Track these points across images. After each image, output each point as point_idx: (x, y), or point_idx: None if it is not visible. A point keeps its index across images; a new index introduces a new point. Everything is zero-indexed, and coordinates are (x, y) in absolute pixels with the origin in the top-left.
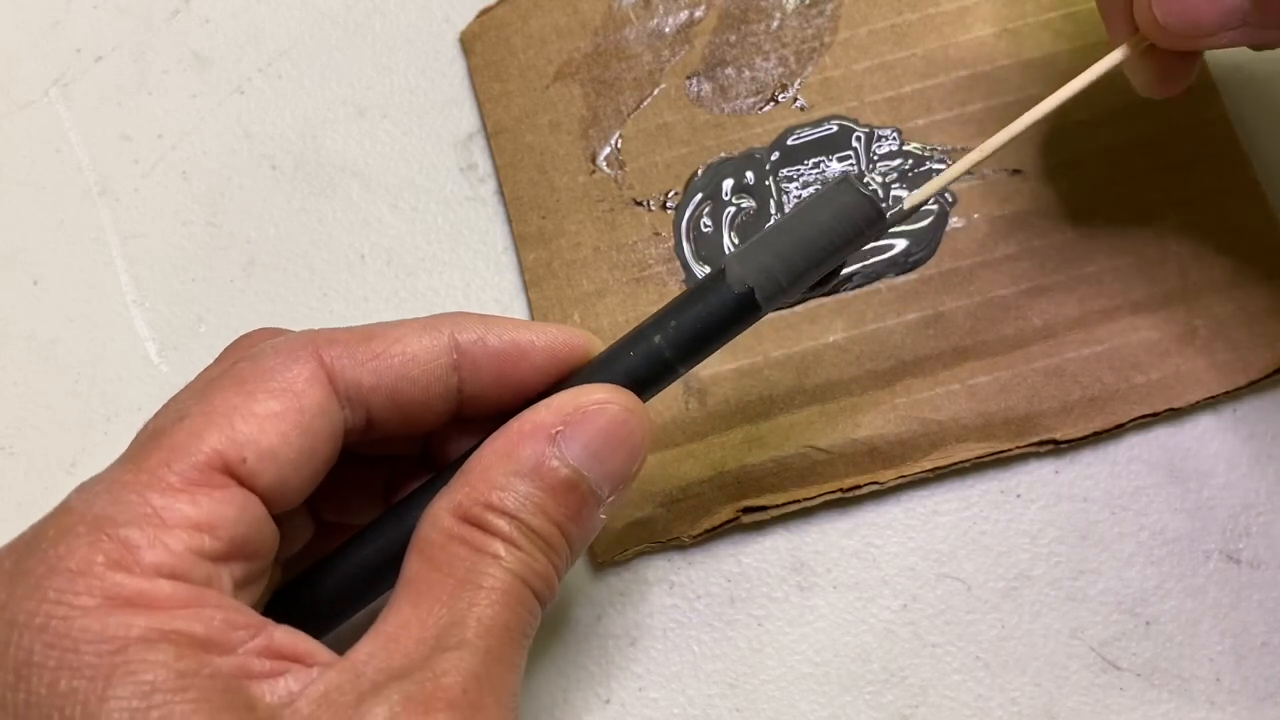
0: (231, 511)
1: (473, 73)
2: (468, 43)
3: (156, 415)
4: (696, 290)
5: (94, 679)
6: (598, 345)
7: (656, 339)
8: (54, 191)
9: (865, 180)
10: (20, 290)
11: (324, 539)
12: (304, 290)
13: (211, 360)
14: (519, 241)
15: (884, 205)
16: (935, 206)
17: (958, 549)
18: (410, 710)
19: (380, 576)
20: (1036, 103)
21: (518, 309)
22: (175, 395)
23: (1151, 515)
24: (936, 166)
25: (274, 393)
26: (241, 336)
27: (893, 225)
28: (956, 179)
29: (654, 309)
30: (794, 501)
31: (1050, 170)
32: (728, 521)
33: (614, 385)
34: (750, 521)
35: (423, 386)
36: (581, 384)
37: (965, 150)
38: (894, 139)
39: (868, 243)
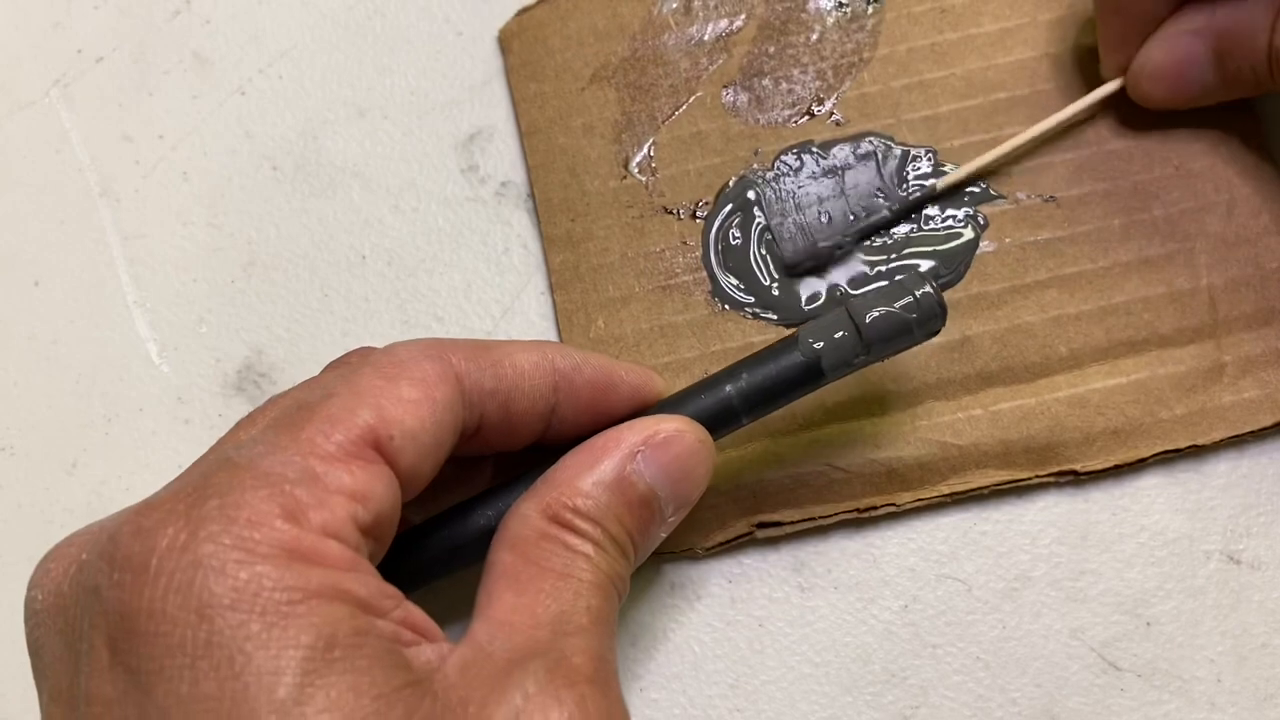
0: (380, 487)
1: (509, 72)
2: (505, 41)
3: (292, 393)
4: (769, 352)
5: (278, 625)
6: (667, 388)
7: (728, 388)
8: (54, 192)
9: (937, 278)
10: (21, 291)
11: None
12: (304, 290)
13: (212, 361)
14: (547, 244)
15: (945, 302)
16: (967, 229)
17: (958, 549)
18: (556, 682)
19: (444, 566)
20: (1075, 129)
21: (519, 308)
22: (280, 393)
23: (1152, 516)
24: (970, 189)
25: (414, 382)
26: (347, 354)
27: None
28: (973, 173)
29: (678, 318)
30: (809, 519)
31: (1084, 199)
32: (742, 535)
33: (688, 418)
34: (764, 537)
35: (531, 400)
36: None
37: (1001, 174)
38: (929, 159)
39: (930, 334)
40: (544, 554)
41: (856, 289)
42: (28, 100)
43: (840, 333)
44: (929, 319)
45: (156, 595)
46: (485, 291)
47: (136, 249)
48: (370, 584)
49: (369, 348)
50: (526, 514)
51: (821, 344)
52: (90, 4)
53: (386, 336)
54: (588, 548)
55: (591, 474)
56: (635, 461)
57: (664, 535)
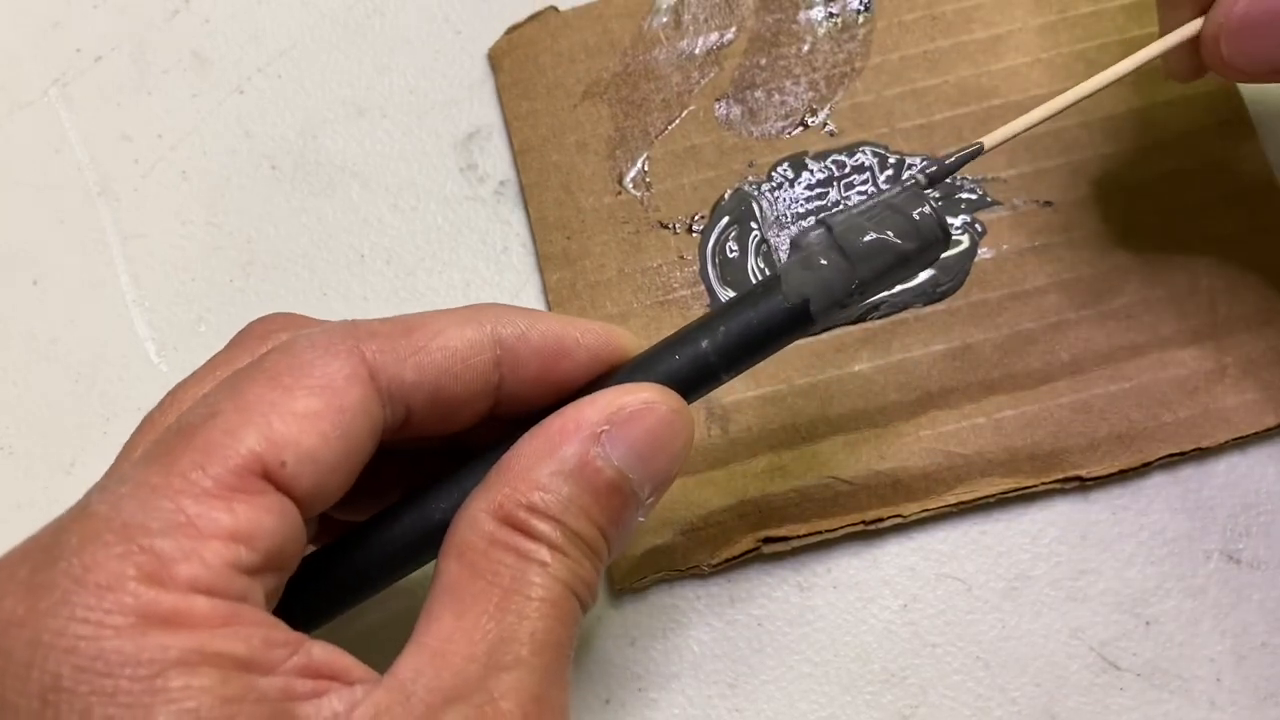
0: (269, 521)
1: (500, 90)
2: (496, 59)
3: (184, 411)
4: (748, 296)
5: (132, 706)
6: (636, 345)
7: (704, 343)
8: (54, 191)
9: (929, 193)
10: (20, 290)
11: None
12: (304, 290)
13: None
14: (543, 262)
15: (948, 225)
16: (965, 237)
17: (958, 549)
18: None
19: (396, 568)
20: (1070, 133)
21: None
22: (182, 383)
23: (1152, 515)
24: (966, 196)
25: (313, 390)
26: (254, 322)
27: (940, 179)
28: (1035, 125)
29: None
30: (816, 533)
31: (1081, 203)
32: (748, 551)
33: (659, 385)
34: (771, 552)
35: (465, 383)
36: (623, 383)
37: (997, 180)
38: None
39: (930, 262)
40: (492, 564)
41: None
42: (27, 100)
43: (828, 269)
44: (930, 244)
45: None
46: (484, 290)
47: (136, 248)
48: (253, 636)
49: (281, 325)
50: (475, 515)
51: (808, 284)
52: (89, 3)
53: None
54: (544, 553)
55: (549, 463)
56: (599, 444)
57: (643, 519)
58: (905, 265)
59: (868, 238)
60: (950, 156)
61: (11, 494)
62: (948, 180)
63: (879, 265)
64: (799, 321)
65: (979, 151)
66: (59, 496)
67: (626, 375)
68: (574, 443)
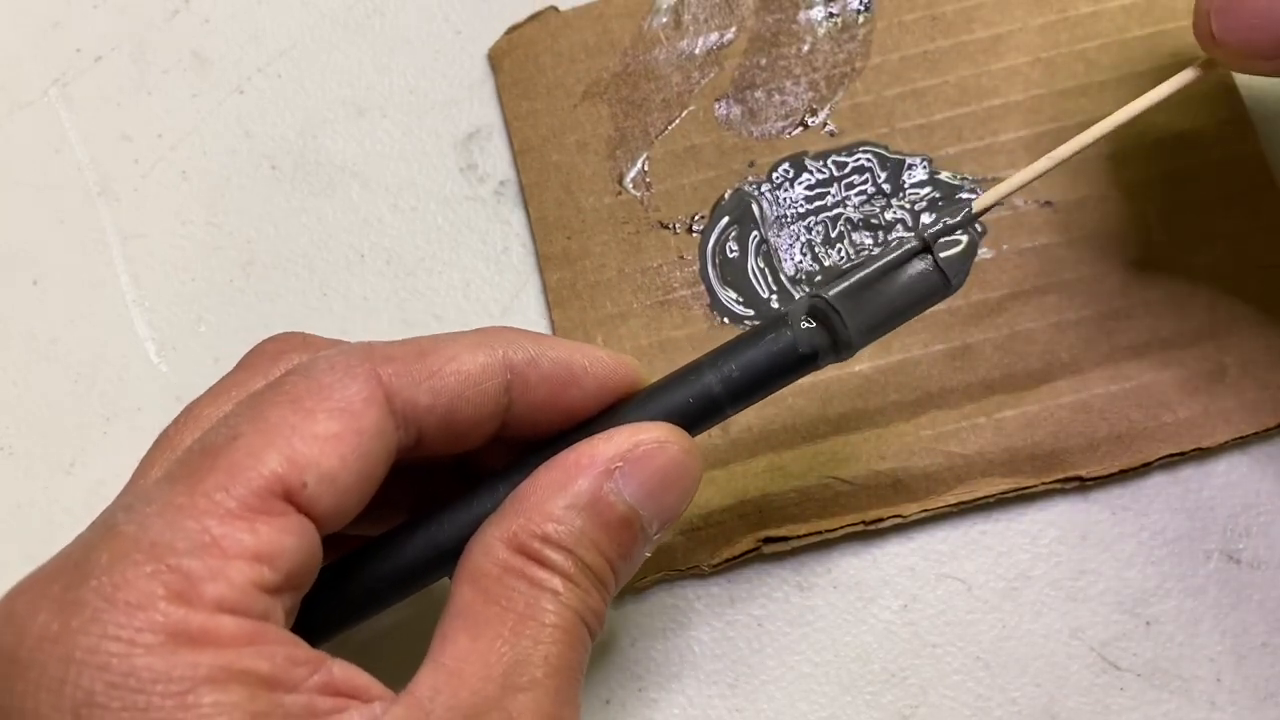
0: (290, 541)
1: (500, 90)
2: (496, 59)
3: (205, 432)
4: (756, 336)
5: None
6: (645, 376)
7: (714, 384)
8: (54, 191)
9: (932, 236)
10: (20, 290)
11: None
12: (304, 290)
13: (211, 360)
14: (543, 262)
15: (954, 277)
16: (964, 236)
17: (958, 549)
18: None
19: (406, 587)
20: (1070, 134)
21: (518, 307)
22: (197, 402)
23: (1152, 515)
24: (967, 196)
25: (332, 412)
26: (265, 342)
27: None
28: (1029, 183)
29: (677, 333)
30: (816, 533)
31: (1081, 203)
32: (748, 551)
33: (671, 425)
34: (771, 552)
35: (477, 406)
36: (632, 416)
37: (997, 180)
38: (924, 167)
39: (931, 306)
40: (506, 591)
41: None
42: (26, 100)
43: (836, 318)
44: (932, 294)
45: (28, 692)
46: (484, 290)
47: (135, 248)
48: (277, 654)
49: (293, 345)
50: (490, 543)
51: (816, 334)
52: (89, 3)
53: (385, 335)
54: (556, 582)
55: (563, 496)
56: (613, 479)
57: (649, 554)
58: (910, 311)
59: (874, 285)
60: (945, 218)
61: (11, 494)
62: (948, 180)
63: (884, 314)
64: (804, 364)
65: (970, 215)
66: (59, 497)
67: (638, 409)
68: (588, 477)
